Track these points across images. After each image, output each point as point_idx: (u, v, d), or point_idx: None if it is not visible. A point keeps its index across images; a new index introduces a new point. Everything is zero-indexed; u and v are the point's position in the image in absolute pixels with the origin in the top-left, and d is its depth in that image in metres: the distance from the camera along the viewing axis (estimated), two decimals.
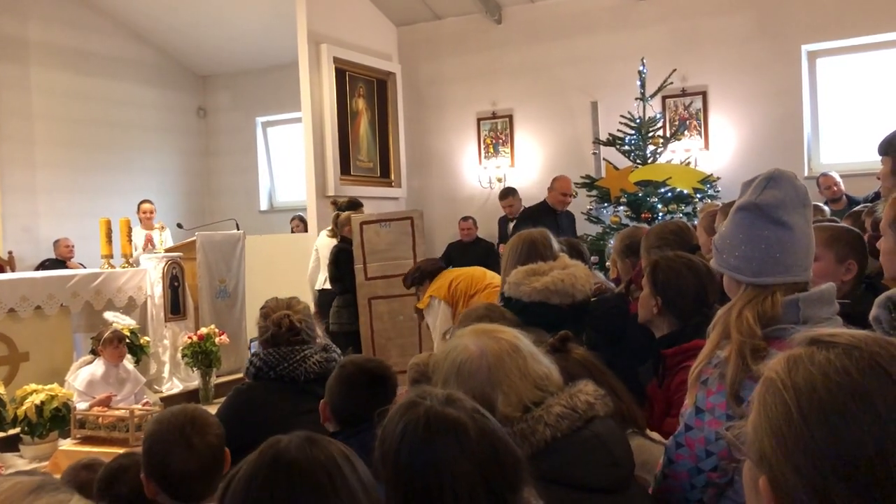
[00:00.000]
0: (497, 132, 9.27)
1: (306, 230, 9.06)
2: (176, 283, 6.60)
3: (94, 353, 5.35)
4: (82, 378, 5.17)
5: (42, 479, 0.93)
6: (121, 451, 4.05)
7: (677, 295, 2.36)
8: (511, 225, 8.13)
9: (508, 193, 8.39)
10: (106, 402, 5.03)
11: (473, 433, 1.32)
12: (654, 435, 2.13)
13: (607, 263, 5.34)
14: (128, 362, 5.50)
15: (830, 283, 1.81)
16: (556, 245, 2.96)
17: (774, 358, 0.92)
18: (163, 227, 8.82)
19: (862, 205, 4.26)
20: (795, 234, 1.74)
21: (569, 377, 1.80)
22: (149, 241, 8.42)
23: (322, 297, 6.95)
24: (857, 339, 0.87)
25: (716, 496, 1.79)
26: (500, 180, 9.17)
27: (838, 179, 6.79)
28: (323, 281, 7.19)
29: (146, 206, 8.82)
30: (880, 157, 2.91)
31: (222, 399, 5.39)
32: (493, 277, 5.13)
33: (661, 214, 7.12)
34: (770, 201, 1.72)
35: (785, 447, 0.84)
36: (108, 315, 5.92)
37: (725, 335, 1.74)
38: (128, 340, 5.76)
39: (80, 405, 5.03)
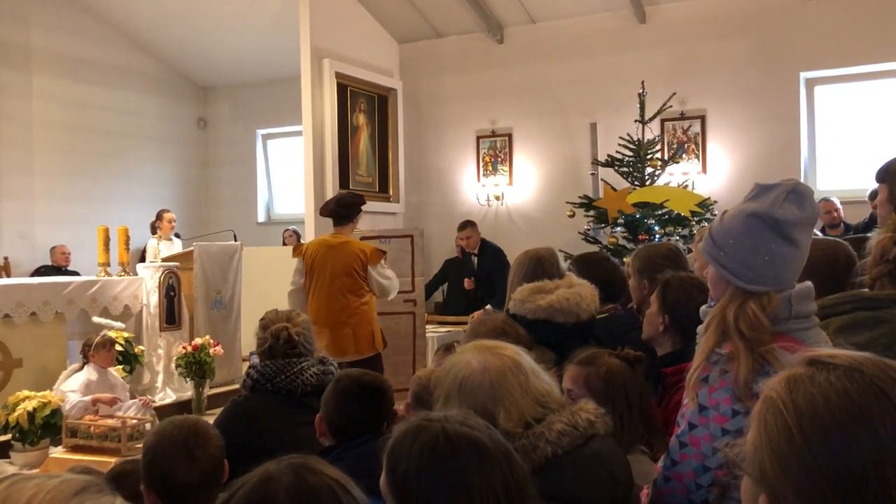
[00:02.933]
0: (496, 150, 9.32)
1: (299, 242, 9.05)
2: (172, 293, 6.59)
3: (85, 359, 5.33)
4: (79, 382, 5.14)
5: (89, 478, 0.92)
6: (112, 460, 4.04)
7: (685, 315, 2.38)
8: (475, 259, 8.06)
9: (468, 225, 8.16)
10: (112, 402, 5.02)
11: (492, 448, 1.33)
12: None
13: None
14: (111, 368, 5.48)
15: (808, 282, 1.83)
16: (562, 263, 2.98)
17: (773, 377, 0.94)
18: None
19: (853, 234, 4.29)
20: (798, 252, 1.76)
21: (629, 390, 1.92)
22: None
23: None
24: (858, 362, 0.89)
25: (720, 496, 1.78)
26: (498, 198, 9.20)
27: (839, 206, 6.82)
28: None
29: (170, 214, 8.80)
30: (877, 184, 2.94)
31: (215, 410, 5.40)
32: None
33: (658, 236, 7.14)
34: (789, 217, 1.72)
35: (786, 466, 0.86)
36: (97, 319, 5.90)
37: (723, 334, 1.74)
38: (121, 348, 5.75)
39: (78, 398, 5.00)
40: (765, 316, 1.69)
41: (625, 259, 6.56)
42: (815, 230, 3.98)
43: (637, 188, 7.38)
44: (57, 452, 4.99)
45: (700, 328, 1.85)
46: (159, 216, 8.83)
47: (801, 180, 8.18)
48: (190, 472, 1.97)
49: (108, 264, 6.60)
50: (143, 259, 8.32)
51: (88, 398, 5.02)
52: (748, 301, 1.72)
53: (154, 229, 8.80)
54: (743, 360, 1.67)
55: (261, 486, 1.16)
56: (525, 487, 1.33)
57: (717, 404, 1.73)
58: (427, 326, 7.56)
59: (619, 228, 7.46)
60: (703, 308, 1.90)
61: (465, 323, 7.66)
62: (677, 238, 7.11)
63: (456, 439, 1.32)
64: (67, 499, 0.86)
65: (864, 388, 0.86)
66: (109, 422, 4.93)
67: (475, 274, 8.09)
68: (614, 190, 7.44)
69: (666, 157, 7.86)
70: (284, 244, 9.95)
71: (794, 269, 1.77)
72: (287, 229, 10.16)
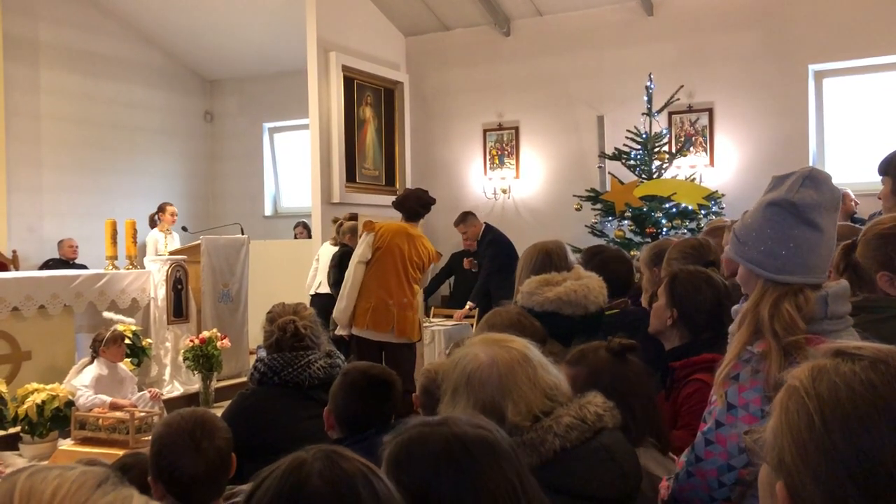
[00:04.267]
0: (503, 144, 9.30)
1: (310, 237, 9.07)
2: (179, 286, 6.60)
3: (95, 354, 5.35)
4: (91, 377, 5.17)
5: (105, 471, 0.92)
6: (120, 452, 4.06)
7: (693, 309, 2.36)
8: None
9: (461, 221, 7.54)
10: (130, 407, 5.06)
11: (507, 446, 1.33)
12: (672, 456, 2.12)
13: None
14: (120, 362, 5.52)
15: (844, 280, 1.81)
16: (571, 256, 2.97)
17: (797, 367, 0.94)
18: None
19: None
20: (824, 237, 1.72)
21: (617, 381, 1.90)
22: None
23: (316, 302, 6.96)
24: (883, 353, 0.89)
25: (741, 495, 1.76)
26: (504, 191, 9.19)
27: (853, 196, 6.79)
28: (318, 285, 7.22)
29: (173, 207, 8.83)
30: (880, 178, 2.92)
31: (223, 403, 5.42)
32: None
33: (665, 230, 7.13)
34: (807, 201, 1.69)
35: (805, 454, 0.86)
36: (108, 314, 5.93)
37: (756, 331, 1.70)
38: (129, 342, 5.78)
39: (95, 397, 5.03)
40: (800, 317, 1.66)
41: (633, 252, 6.54)
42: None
43: (644, 181, 7.36)
44: (66, 445, 5.02)
45: (732, 327, 1.81)
46: (162, 209, 8.84)
47: None
48: (195, 464, 1.98)
49: (115, 257, 6.62)
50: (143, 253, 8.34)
51: (108, 399, 5.04)
52: (783, 300, 1.68)
53: (153, 222, 8.82)
54: (775, 360, 1.63)
55: (293, 471, 1.14)
56: (530, 478, 1.33)
57: (747, 404, 1.70)
58: (433, 320, 7.57)
59: (626, 222, 7.45)
60: (734, 307, 1.87)
61: (472, 316, 7.68)
62: (685, 231, 7.09)
63: (467, 440, 1.31)
64: (91, 490, 0.86)
65: (889, 379, 0.86)
66: (118, 414, 4.95)
67: (476, 257, 8.00)
68: (621, 183, 7.42)
69: (673, 150, 7.83)
70: (296, 237, 9.97)
71: (821, 255, 1.73)
72: (298, 224, 10.18)
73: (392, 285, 5.32)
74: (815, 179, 1.73)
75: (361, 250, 5.42)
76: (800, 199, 1.70)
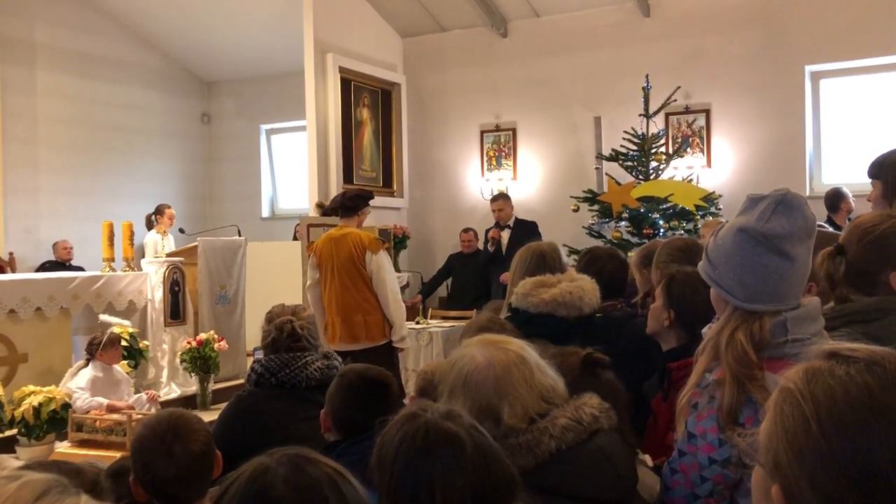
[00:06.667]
0: (500, 145, 9.30)
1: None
2: (176, 288, 6.59)
3: (90, 356, 5.33)
4: (86, 380, 5.16)
5: (50, 479, 0.90)
6: (118, 454, 4.05)
7: (690, 310, 2.36)
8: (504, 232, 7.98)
9: (501, 197, 8.17)
10: (129, 409, 5.05)
11: (469, 449, 1.34)
12: (646, 458, 2.10)
13: None
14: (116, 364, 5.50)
15: (816, 298, 1.76)
16: (564, 258, 2.98)
17: (791, 369, 0.93)
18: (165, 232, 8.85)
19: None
20: (796, 265, 1.66)
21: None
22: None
23: None
24: (879, 356, 0.88)
25: None
26: (502, 193, 9.18)
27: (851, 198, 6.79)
28: None
29: (172, 210, 8.83)
30: (870, 180, 2.90)
31: (220, 405, 5.40)
32: None
33: (662, 230, 7.14)
34: (777, 231, 1.63)
35: (801, 457, 0.85)
36: (104, 317, 5.91)
37: (715, 358, 1.69)
38: (126, 344, 5.77)
39: (93, 400, 5.02)
40: (752, 348, 1.62)
41: (630, 253, 6.54)
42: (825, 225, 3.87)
43: (641, 182, 7.37)
44: (63, 447, 5.01)
45: (698, 349, 1.79)
46: (160, 210, 8.83)
47: (807, 174, 8.10)
48: (166, 467, 2.00)
49: (112, 259, 6.60)
50: (141, 254, 8.34)
51: (105, 402, 5.03)
52: (739, 329, 1.65)
53: (150, 224, 8.81)
54: (728, 389, 1.61)
55: (257, 478, 1.14)
56: (503, 494, 1.34)
57: (705, 433, 1.68)
58: (431, 321, 7.57)
59: (623, 223, 7.45)
60: (704, 329, 1.86)
61: (470, 318, 7.68)
62: (682, 232, 7.10)
63: (434, 436, 1.35)
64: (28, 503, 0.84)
65: (885, 382, 0.85)
66: (115, 416, 4.94)
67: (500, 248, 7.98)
68: (618, 184, 7.42)
69: (670, 151, 7.84)
70: (295, 238, 9.95)
71: (792, 284, 1.68)
72: (299, 223, 10.16)
73: (332, 297, 5.25)
74: (789, 206, 1.65)
75: (310, 273, 5.46)
76: (769, 230, 1.64)
